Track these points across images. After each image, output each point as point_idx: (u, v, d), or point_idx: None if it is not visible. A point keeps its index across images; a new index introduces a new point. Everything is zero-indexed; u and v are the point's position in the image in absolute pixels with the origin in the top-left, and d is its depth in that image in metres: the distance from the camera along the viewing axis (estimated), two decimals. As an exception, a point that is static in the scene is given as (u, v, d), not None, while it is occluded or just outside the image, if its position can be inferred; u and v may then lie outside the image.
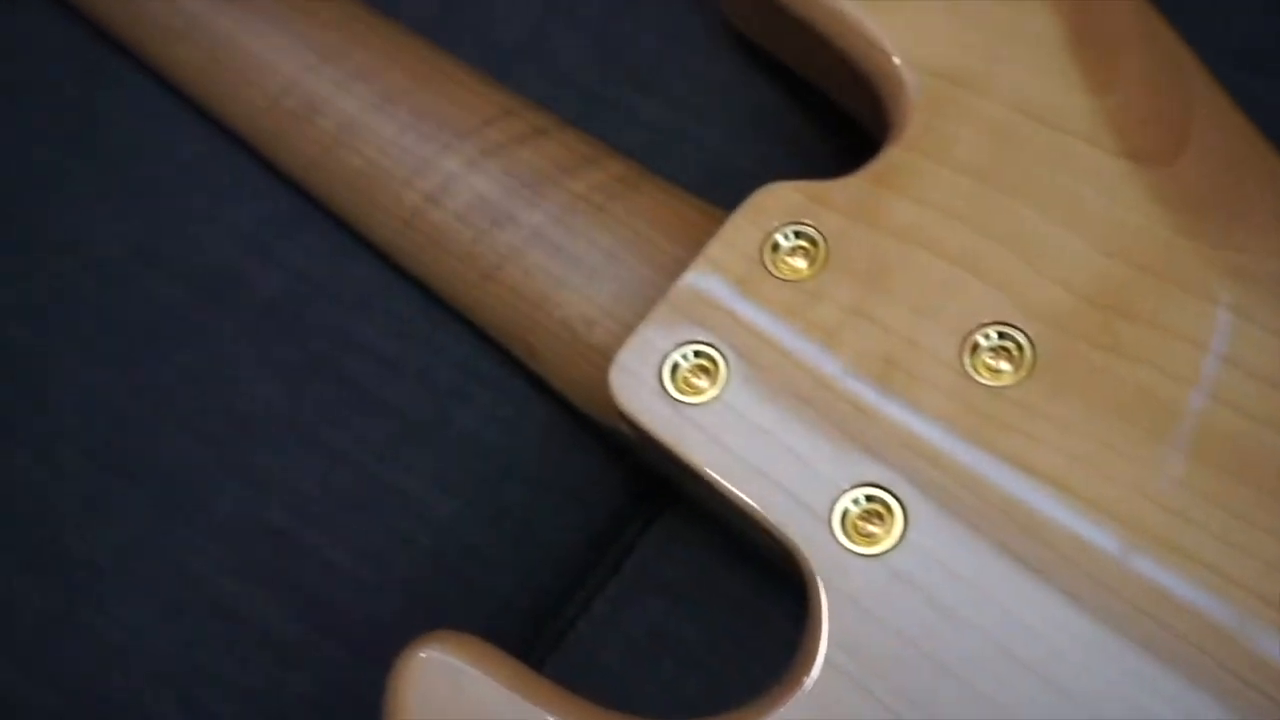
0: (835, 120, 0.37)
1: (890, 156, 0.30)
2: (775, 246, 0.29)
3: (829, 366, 0.28)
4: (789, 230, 0.29)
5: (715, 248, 0.30)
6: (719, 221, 0.34)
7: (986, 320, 0.27)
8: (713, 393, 0.28)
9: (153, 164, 0.42)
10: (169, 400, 0.38)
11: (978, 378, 0.27)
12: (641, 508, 0.37)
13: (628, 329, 0.33)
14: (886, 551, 0.26)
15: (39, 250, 0.42)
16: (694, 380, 0.28)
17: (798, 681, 0.25)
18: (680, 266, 0.33)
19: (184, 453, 0.37)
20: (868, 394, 0.27)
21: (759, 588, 0.35)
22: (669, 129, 0.38)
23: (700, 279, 0.29)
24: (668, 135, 0.38)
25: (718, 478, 0.27)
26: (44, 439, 0.38)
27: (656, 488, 0.37)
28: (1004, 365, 0.27)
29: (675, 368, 0.29)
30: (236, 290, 0.39)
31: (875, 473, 0.27)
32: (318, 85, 0.39)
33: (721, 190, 0.37)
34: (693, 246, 0.33)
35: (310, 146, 0.39)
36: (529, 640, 0.36)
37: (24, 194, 0.43)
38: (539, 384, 0.36)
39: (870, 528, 0.26)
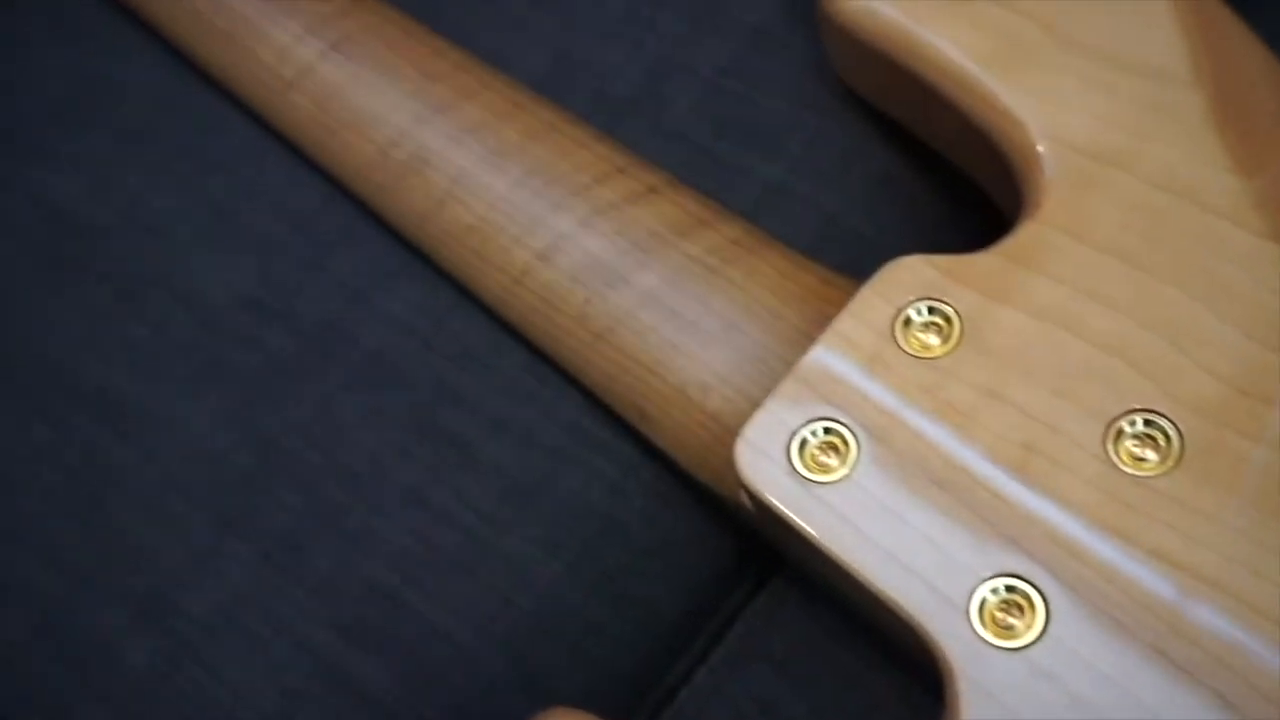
0: (955, 186, 0.36)
1: (1027, 233, 0.29)
2: (907, 322, 0.29)
3: (964, 450, 0.27)
4: (922, 306, 0.29)
5: (845, 321, 0.29)
6: (839, 289, 0.33)
7: (1132, 407, 0.27)
8: (842, 472, 0.28)
9: (260, 212, 0.42)
10: (275, 453, 0.38)
11: (1122, 466, 0.26)
12: (747, 574, 0.37)
13: (745, 397, 0.32)
14: (1027, 645, 0.25)
15: (145, 296, 0.42)
16: (823, 458, 0.28)
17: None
18: (800, 335, 0.33)
19: (289, 507, 0.37)
20: (1005, 480, 0.27)
21: (869, 660, 0.34)
22: (782, 189, 0.38)
23: (829, 354, 0.29)
24: (780, 195, 0.38)
25: (849, 561, 0.27)
26: (151, 490, 0.38)
27: (763, 553, 0.36)
28: (1150, 454, 0.26)
29: (803, 444, 0.28)
30: (341, 342, 0.39)
31: (1015, 563, 0.26)
32: (429, 138, 0.39)
33: (834, 253, 0.36)
34: (812, 315, 0.33)
35: (420, 200, 0.38)
36: (630, 708, 0.35)
37: (131, 237, 0.43)
38: (646, 447, 0.36)
39: (1010, 620, 0.25)
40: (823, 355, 0.29)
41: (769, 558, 0.37)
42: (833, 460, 0.28)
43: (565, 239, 0.36)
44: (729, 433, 0.33)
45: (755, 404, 0.32)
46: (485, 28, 0.43)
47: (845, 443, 0.28)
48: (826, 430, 0.28)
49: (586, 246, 0.36)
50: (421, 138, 0.39)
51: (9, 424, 0.41)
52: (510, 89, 0.40)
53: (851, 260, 0.37)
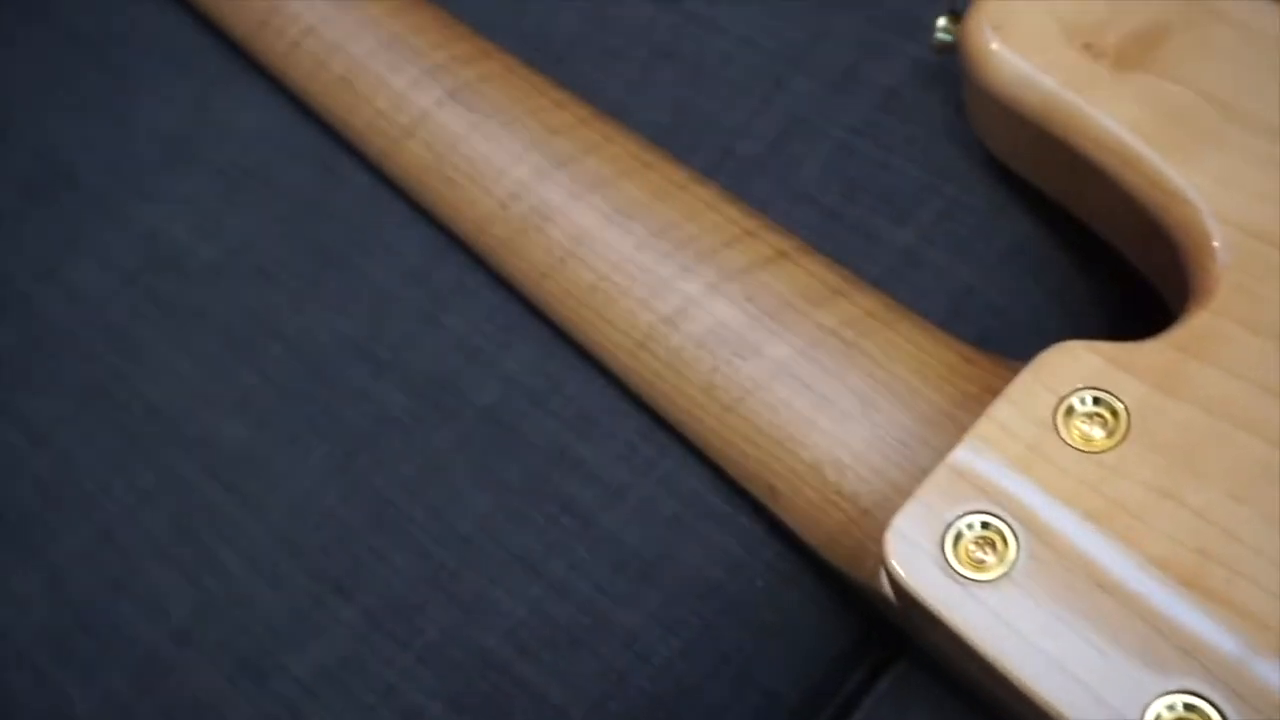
0: (1100, 259, 0.35)
1: (1198, 322, 0.28)
2: (1069, 411, 0.28)
3: (1132, 553, 0.26)
4: (1086, 395, 0.27)
5: (1003, 409, 0.28)
6: (982, 368, 0.32)
7: (1318, 515, 0.25)
8: (1000, 570, 0.26)
9: (374, 262, 0.42)
10: (384, 511, 0.37)
11: (1309, 580, 0.25)
12: (870, 655, 0.36)
13: (884, 479, 0.31)
14: (1206, 770, 0.24)
15: (254, 342, 0.41)
16: (979, 554, 0.27)
17: None
18: (942, 416, 0.32)
19: (397, 568, 0.36)
20: (1178, 589, 0.25)
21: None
22: (914, 257, 0.36)
23: (985, 442, 0.28)
24: (912, 263, 0.36)
25: (1009, 666, 0.25)
26: (257, 544, 0.38)
27: (887, 635, 0.35)
28: (1339, 569, 0.25)
29: (958, 538, 0.27)
30: (454, 399, 0.39)
31: (1191, 680, 0.24)
32: (550, 193, 0.38)
33: (969, 327, 0.35)
34: (955, 395, 0.32)
35: (540, 256, 0.38)
36: (748, 795, 0.34)
37: (242, 282, 0.43)
38: (770, 522, 0.35)
39: (1189, 742, 0.24)
40: (979, 443, 0.28)
41: (893, 639, 0.35)
42: (989, 557, 0.27)
43: (693, 304, 0.35)
44: (865, 515, 0.31)
45: (894, 487, 0.31)
46: (607, 79, 0.42)
47: (1003, 539, 0.27)
48: (984, 525, 0.27)
49: (715, 313, 0.35)
50: (543, 192, 0.38)
51: (114, 469, 0.41)
52: (635, 144, 0.39)
53: (987, 335, 0.36)
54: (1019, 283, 0.36)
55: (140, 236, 0.46)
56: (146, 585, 0.38)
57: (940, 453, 0.30)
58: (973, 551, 0.27)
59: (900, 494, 0.31)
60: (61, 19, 0.53)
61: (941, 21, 0.35)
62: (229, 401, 0.41)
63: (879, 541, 0.29)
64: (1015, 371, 0.29)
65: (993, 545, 0.27)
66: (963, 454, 0.28)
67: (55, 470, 0.42)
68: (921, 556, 0.27)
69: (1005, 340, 0.36)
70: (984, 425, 0.28)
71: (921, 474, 0.31)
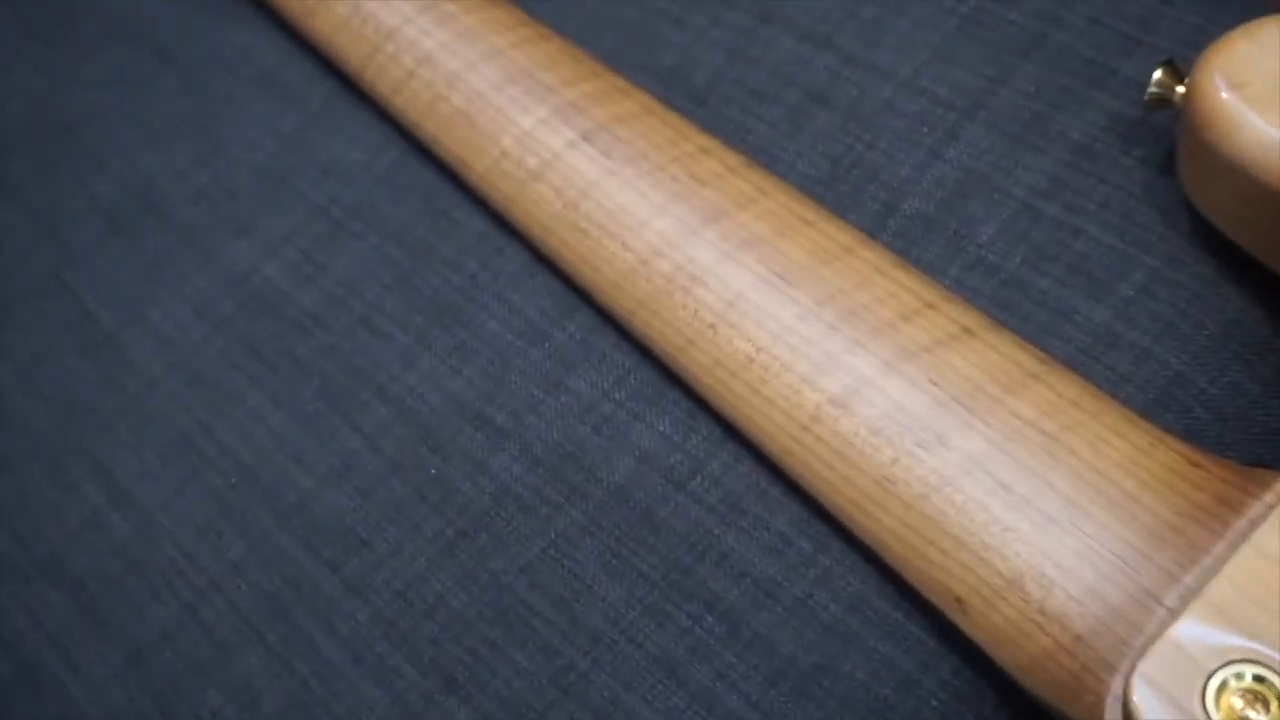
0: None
1: None
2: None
3: None
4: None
5: (1268, 535, 0.24)
6: (1214, 474, 0.28)
7: None
8: (1275, 733, 0.22)
9: (492, 317, 0.38)
10: (503, 599, 0.34)
11: None
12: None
13: (1099, 601, 0.27)
14: None
15: (357, 401, 0.38)
16: (1248, 712, 0.22)
17: None
18: (1169, 529, 0.28)
19: (518, 666, 0.33)
20: None
21: None
22: (1112, 337, 0.32)
23: (1249, 574, 0.23)
24: (1110, 344, 0.32)
25: None
26: (361, 631, 0.34)
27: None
28: None
29: (1221, 688, 0.23)
30: (581, 474, 0.35)
31: None
32: (699, 251, 0.34)
33: (1177, 418, 0.31)
34: (1180, 504, 0.28)
35: (685, 320, 0.34)
36: None
37: (343, 331, 0.40)
38: (948, 633, 0.31)
39: None
40: (1240, 575, 0.23)
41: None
42: (1260, 716, 0.22)
43: (867, 384, 0.31)
44: (1078, 643, 0.27)
45: (1113, 611, 0.27)
46: (753, 123, 0.38)
47: (1276, 693, 0.22)
48: (1257, 678, 0.22)
49: (894, 395, 0.31)
50: (690, 250, 0.34)
51: (201, 535, 0.37)
52: (792, 199, 0.35)
53: (1195, 429, 0.32)
54: (1232, 369, 0.32)
55: (234, 277, 0.42)
56: (235, 671, 0.35)
57: (1168, 574, 0.26)
58: (1240, 709, 0.23)
59: (1121, 621, 0.27)
60: (155, 40, 0.50)
61: (1157, 74, 0.31)
62: (329, 466, 0.37)
63: (1097, 676, 0.25)
64: (1253, 480, 0.25)
65: (1264, 702, 0.23)
66: (1225, 587, 0.23)
67: (137, 533, 0.38)
68: (1174, 710, 0.23)
69: (1216, 436, 0.32)
70: (1247, 555, 0.24)
71: (1146, 597, 0.27)
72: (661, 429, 0.35)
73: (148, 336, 0.43)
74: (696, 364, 0.34)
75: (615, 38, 0.42)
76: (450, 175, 0.41)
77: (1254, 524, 0.26)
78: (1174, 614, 0.25)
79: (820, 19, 0.39)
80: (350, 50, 0.43)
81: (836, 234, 0.34)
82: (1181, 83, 0.31)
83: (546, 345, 0.38)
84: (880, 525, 0.31)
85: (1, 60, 0.53)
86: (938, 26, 0.37)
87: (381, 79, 0.42)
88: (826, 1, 0.39)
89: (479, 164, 0.39)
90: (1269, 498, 0.26)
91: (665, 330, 0.35)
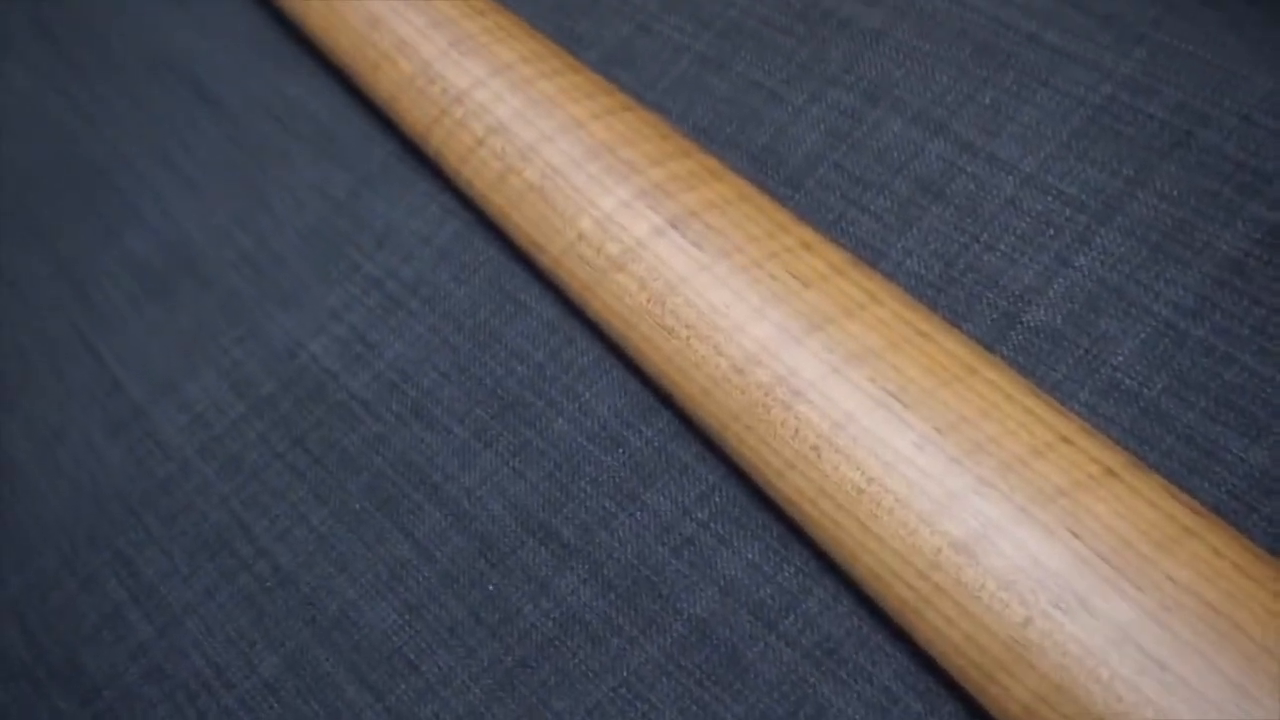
0: None
1: None
2: None
3: None
4: None
5: None
6: None
7: None
8: None
9: (561, 416, 0.35)
10: (574, 754, 0.30)
11: None
12: None
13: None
14: None
15: (408, 503, 0.35)
16: None
17: None
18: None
19: (587, 831, 0.29)
20: None
21: None
22: (1269, 482, 0.29)
23: None
24: (1265, 489, 0.29)
25: None
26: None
27: None
28: None
29: None
30: (658, 603, 0.32)
31: None
32: (802, 363, 0.31)
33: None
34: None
35: (784, 441, 0.31)
36: None
37: (394, 423, 0.36)
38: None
39: None
40: None
41: None
42: None
43: (995, 530, 0.28)
44: None
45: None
46: (857, 215, 0.35)
47: None
48: None
49: (1026, 546, 0.27)
50: (792, 360, 0.31)
51: (232, 645, 0.34)
52: (905, 306, 0.32)
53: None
54: None
55: (277, 353, 0.39)
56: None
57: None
58: None
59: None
60: (196, 81, 0.47)
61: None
62: (375, 575, 0.34)
63: None
64: None
65: None
66: None
67: (161, 637, 0.35)
68: None
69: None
70: None
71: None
72: (750, 557, 0.32)
73: (180, 413, 0.40)
74: (795, 489, 0.31)
75: (702, 110, 0.39)
76: (518, 255, 0.38)
77: None
78: None
79: (933, 102, 0.36)
80: (415, 111, 0.40)
81: (957, 350, 0.31)
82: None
83: (621, 452, 0.34)
84: (1007, 694, 0.28)
85: (33, 92, 0.50)
86: (1067, 117, 0.34)
87: (448, 145, 0.39)
88: (941, 83, 0.36)
89: (553, 246, 0.36)
90: None
91: (760, 448, 0.32)
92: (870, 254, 0.35)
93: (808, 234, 0.34)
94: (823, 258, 0.33)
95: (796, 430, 0.31)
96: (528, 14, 0.43)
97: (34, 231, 0.46)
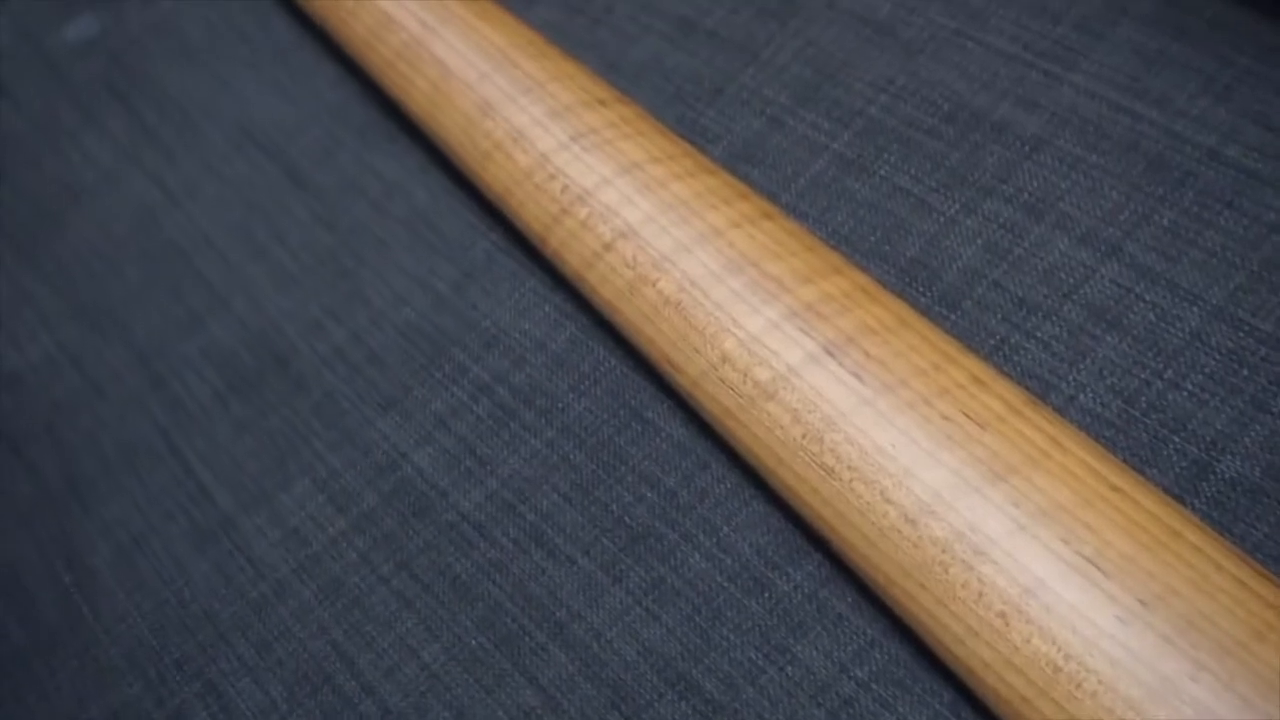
0: None
1: None
2: None
3: None
4: None
5: None
6: None
7: None
8: None
9: (698, 553, 0.33)
10: None
11: None
12: None
13: None
14: None
15: (528, 640, 0.32)
16: None
17: None
18: None
19: None
20: None
21: None
22: None
23: None
24: None
25: None
26: None
27: None
28: None
29: None
30: (818, 776, 0.29)
31: None
32: (984, 518, 0.29)
33: None
34: None
35: (967, 604, 0.28)
36: None
37: (516, 548, 0.34)
38: None
39: None
40: None
41: None
42: None
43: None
44: None
45: None
46: (1024, 340, 0.33)
47: None
48: None
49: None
50: (972, 514, 0.29)
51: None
52: (1093, 455, 0.30)
53: None
54: None
55: (378, 463, 0.37)
56: None
57: None
58: None
59: None
60: (286, 158, 0.45)
61: None
62: (496, 723, 0.31)
63: None
64: None
65: None
66: None
67: (259, 785, 0.33)
68: None
69: None
70: None
71: None
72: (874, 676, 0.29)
73: (273, 526, 0.37)
74: (977, 659, 0.28)
75: (843, 216, 0.36)
76: (643, 366, 0.36)
77: None
78: None
79: (1104, 220, 0.33)
80: (531, 208, 0.38)
81: (1156, 508, 0.28)
82: None
83: (767, 596, 0.32)
84: None
85: (113, 167, 0.47)
86: (1257, 245, 0.32)
87: (569, 248, 0.37)
88: (1111, 199, 0.34)
89: (691, 367, 0.34)
90: None
91: (936, 610, 0.29)
92: (1038, 385, 0.32)
93: (978, 367, 0.32)
94: (997, 395, 0.31)
95: (980, 594, 0.28)
96: (646, 102, 0.40)
97: (111, 316, 0.44)
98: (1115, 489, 0.29)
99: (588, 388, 0.37)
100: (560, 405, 0.36)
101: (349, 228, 0.43)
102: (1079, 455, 0.30)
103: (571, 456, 0.35)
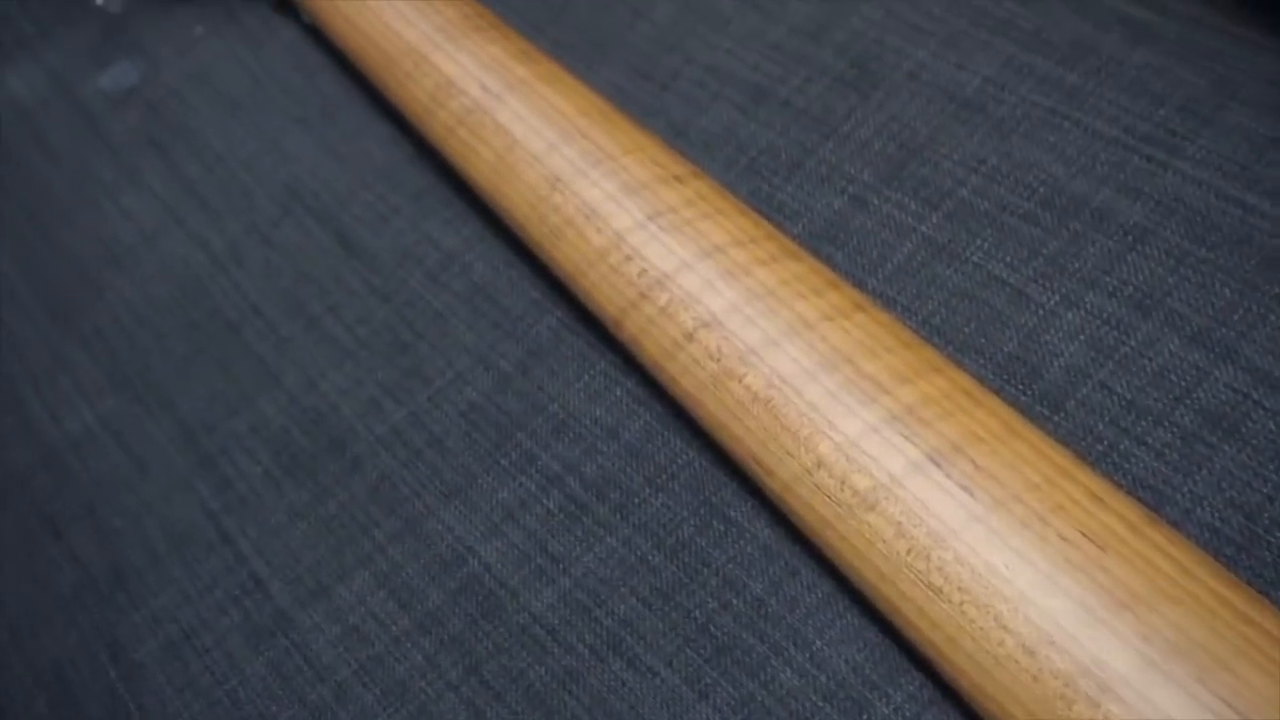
0: None
1: None
2: None
3: None
4: None
5: None
6: None
7: None
8: None
9: (786, 666, 0.31)
10: None
11: None
12: None
13: None
14: None
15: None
16: None
17: None
18: None
19: None
20: None
21: None
22: None
23: None
24: None
25: None
26: None
27: None
28: None
29: None
30: None
31: None
32: (1110, 652, 0.27)
33: None
34: None
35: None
36: None
37: (591, 653, 0.32)
38: None
39: None
40: None
41: None
42: None
43: None
44: None
45: None
46: (1135, 447, 0.31)
47: None
48: None
49: None
50: (1096, 648, 0.27)
51: None
52: (1225, 585, 0.28)
53: None
54: None
55: (443, 556, 0.35)
56: None
57: None
58: None
59: None
60: (337, 223, 0.44)
61: None
62: None
63: None
64: None
65: None
66: None
67: None
68: None
69: None
70: None
71: None
72: None
73: (331, 623, 0.35)
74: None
75: (935, 305, 0.35)
76: (724, 460, 0.34)
77: None
78: None
79: (1217, 319, 0.32)
80: (605, 290, 0.36)
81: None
82: None
83: (865, 719, 0.30)
84: None
85: (152, 224, 0.46)
86: (1385, 352, 0.30)
87: (647, 335, 0.35)
88: (1224, 297, 0.32)
89: (783, 471, 0.32)
90: None
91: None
92: (1151, 496, 0.31)
93: (1093, 480, 0.30)
94: (1116, 513, 0.29)
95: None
96: (719, 175, 0.39)
97: (154, 388, 0.42)
98: (1247, 620, 0.27)
99: (665, 482, 0.35)
100: (636, 500, 0.35)
101: (405, 299, 0.41)
102: (1208, 582, 0.28)
103: (650, 557, 0.34)
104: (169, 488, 0.40)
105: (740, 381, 0.33)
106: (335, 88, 0.47)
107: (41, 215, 0.48)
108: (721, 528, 0.34)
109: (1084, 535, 0.29)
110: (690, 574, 0.33)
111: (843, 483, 0.31)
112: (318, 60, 0.48)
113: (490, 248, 0.41)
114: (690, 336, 0.34)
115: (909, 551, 0.30)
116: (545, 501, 0.36)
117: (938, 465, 0.30)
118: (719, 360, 0.33)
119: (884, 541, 0.30)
